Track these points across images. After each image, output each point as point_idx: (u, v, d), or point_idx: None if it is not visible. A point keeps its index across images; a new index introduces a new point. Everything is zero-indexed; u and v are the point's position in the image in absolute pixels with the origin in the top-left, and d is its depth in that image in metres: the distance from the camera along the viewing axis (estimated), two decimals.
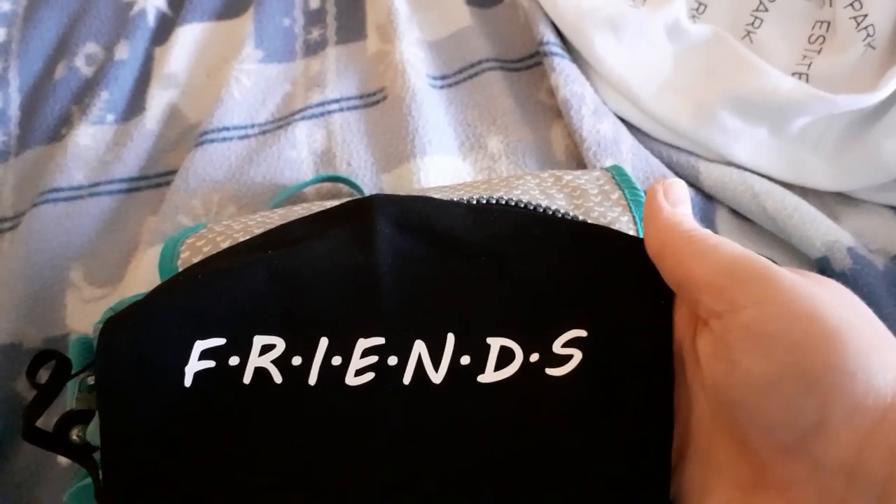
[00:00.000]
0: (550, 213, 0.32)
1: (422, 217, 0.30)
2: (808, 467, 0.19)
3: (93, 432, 0.27)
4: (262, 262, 0.28)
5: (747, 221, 0.46)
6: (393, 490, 0.24)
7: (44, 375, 0.28)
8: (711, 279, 0.22)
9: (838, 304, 0.20)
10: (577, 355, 0.25)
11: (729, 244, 0.23)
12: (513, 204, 0.33)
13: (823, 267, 0.42)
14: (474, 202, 0.33)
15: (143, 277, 0.45)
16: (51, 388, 0.27)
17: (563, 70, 0.51)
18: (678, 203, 0.26)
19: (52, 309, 0.46)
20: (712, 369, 0.22)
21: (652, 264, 0.25)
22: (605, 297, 0.26)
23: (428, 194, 0.34)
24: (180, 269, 0.32)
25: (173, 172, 0.53)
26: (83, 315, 0.46)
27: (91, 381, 0.28)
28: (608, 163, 0.47)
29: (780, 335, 0.19)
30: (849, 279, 0.40)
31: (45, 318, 0.45)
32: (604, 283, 0.26)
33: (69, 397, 0.28)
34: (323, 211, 0.32)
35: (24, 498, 0.39)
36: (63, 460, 0.39)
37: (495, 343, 0.26)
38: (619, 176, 0.36)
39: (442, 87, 0.55)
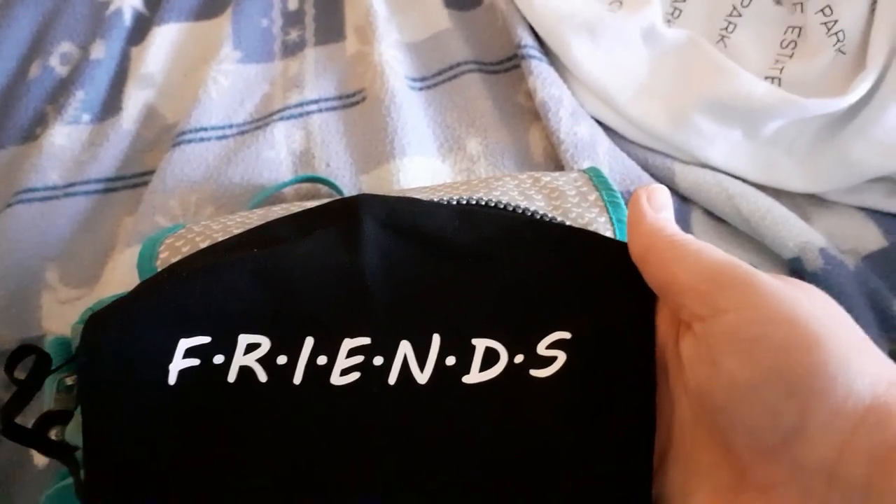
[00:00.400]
0: (530, 213, 0.33)
1: (409, 218, 0.30)
2: (790, 470, 0.19)
3: (71, 433, 0.27)
4: (248, 260, 0.28)
5: (721, 222, 0.47)
6: (377, 490, 0.24)
7: (21, 377, 0.28)
8: (694, 284, 0.22)
9: (818, 309, 0.20)
10: (562, 357, 0.25)
11: (711, 249, 0.23)
12: (493, 205, 0.33)
13: (796, 267, 0.42)
14: (458, 203, 0.33)
15: (120, 278, 0.45)
16: (30, 384, 0.27)
17: (540, 73, 0.51)
18: (661, 209, 0.26)
19: (28, 310, 0.45)
20: (695, 372, 0.22)
21: (635, 268, 0.25)
22: (589, 300, 0.26)
23: (408, 195, 0.34)
24: (159, 270, 0.32)
25: (150, 173, 0.53)
26: (59, 316, 0.45)
27: (69, 381, 0.28)
28: (585, 165, 0.47)
29: (762, 339, 0.20)
30: (820, 279, 0.41)
31: (20, 320, 0.45)
32: (588, 286, 0.27)
33: (47, 397, 0.28)
34: (308, 210, 0.32)
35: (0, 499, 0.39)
36: (40, 462, 0.39)
37: (480, 344, 0.26)
38: (596, 178, 0.36)
39: (421, 89, 0.55)
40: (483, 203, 0.33)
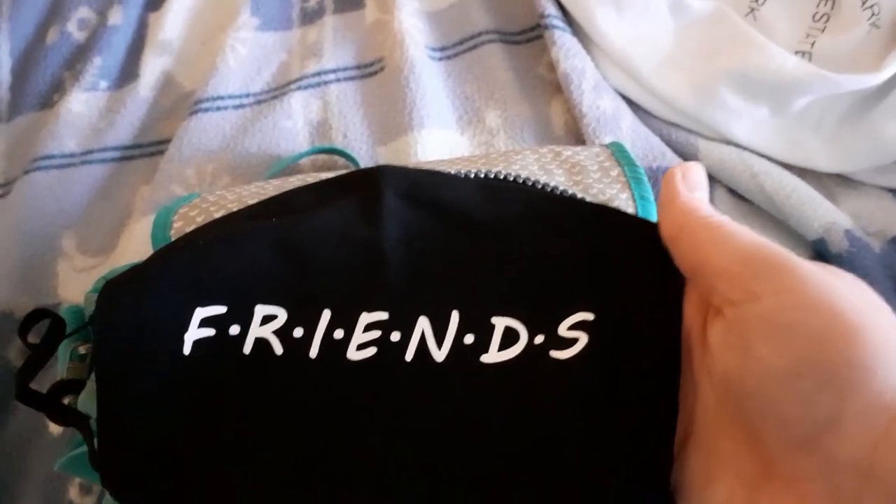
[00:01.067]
0: (550, 189, 0.32)
1: (430, 191, 0.29)
2: (820, 463, 0.19)
3: (84, 402, 0.27)
4: (267, 230, 0.28)
5: (745, 201, 0.46)
6: (393, 467, 0.24)
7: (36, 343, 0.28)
8: (728, 266, 0.21)
9: (858, 298, 0.19)
10: (583, 339, 0.25)
11: (748, 232, 0.22)
12: (511, 179, 0.32)
13: (820, 249, 0.42)
14: (482, 176, 0.32)
15: (136, 247, 0.45)
16: (45, 348, 0.27)
17: (563, 44, 0.50)
18: (696, 188, 0.25)
19: (44, 278, 0.45)
20: (724, 358, 0.21)
21: (663, 249, 0.25)
22: (614, 281, 0.26)
23: (428, 168, 0.33)
24: (174, 239, 0.31)
25: (167, 141, 0.52)
26: (75, 284, 0.45)
27: (83, 350, 0.28)
28: (607, 139, 0.46)
29: (799, 327, 0.19)
30: (845, 261, 0.40)
31: (36, 287, 0.45)
32: (613, 266, 0.26)
33: (60, 366, 0.28)
34: (328, 180, 0.32)
35: (15, 466, 0.39)
36: (54, 430, 0.39)
37: (500, 323, 0.26)
38: (618, 153, 0.35)
39: (441, 59, 0.54)
40: (502, 177, 0.32)
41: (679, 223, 0.24)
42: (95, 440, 0.26)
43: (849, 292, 0.20)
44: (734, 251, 0.22)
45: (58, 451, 0.38)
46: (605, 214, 0.29)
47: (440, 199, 0.29)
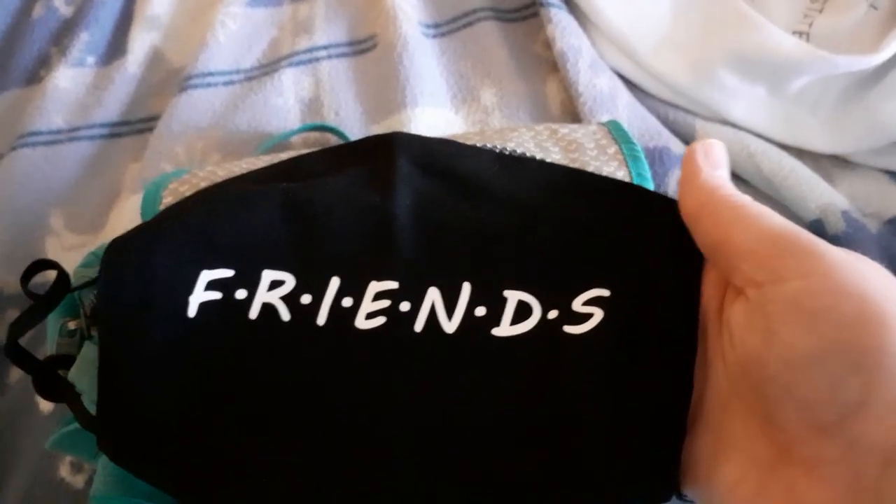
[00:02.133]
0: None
1: (445, 160, 0.29)
2: (842, 447, 0.18)
3: (73, 377, 0.26)
4: (277, 193, 0.27)
5: (741, 182, 0.46)
6: (400, 436, 0.24)
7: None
8: (753, 247, 0.21)
9: (886, 286, 0.19)
10: (598, 314, 0.24)
11: (773, 214, 0.22)
12: (507, 153, 0.32)
13: (817, 230, 0.41)
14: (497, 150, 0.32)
15: (125, 225, 0.44)
16: (47, 300, 0.26)
17: (560, 21, 0.50)
18: (717, 166, 0.25)
19: (32, 255, 0.45)
20: (745, 340, 0.21)
21: (682, 227, 0.24)
22: (632, 258, 0.25)
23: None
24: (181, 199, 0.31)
25: (156, 118, 0.51)
26: (64, 262, 0.43)
27: (72, 325, 0.27)
28: (604, 118, 0.46)
29: (829, 312, 0.19)
30: (842, 242, 0.40)
31: (24, 265, 0.44)
32: (631, 242, 0.26)
33: (49, 342, 0.28)
34: (342, 146, 0.32)
35: (5, 444, 0.39)
36: (45, 408, 0.39)
37: (513, 296, 0.25)
38: (615, 131, 0.35)
39: (435, 36, 0.54)
40: (498, 150, 0.32)
41: (700, 200, 0.24)
42: (94, 404, 0.25)
43: (877, 279, 0.19)
44: (759, 231, 0.21)
45: (48, 430, 0.37)
46: (624, 190, 0.28)
47: (455, 168, 0.29)
